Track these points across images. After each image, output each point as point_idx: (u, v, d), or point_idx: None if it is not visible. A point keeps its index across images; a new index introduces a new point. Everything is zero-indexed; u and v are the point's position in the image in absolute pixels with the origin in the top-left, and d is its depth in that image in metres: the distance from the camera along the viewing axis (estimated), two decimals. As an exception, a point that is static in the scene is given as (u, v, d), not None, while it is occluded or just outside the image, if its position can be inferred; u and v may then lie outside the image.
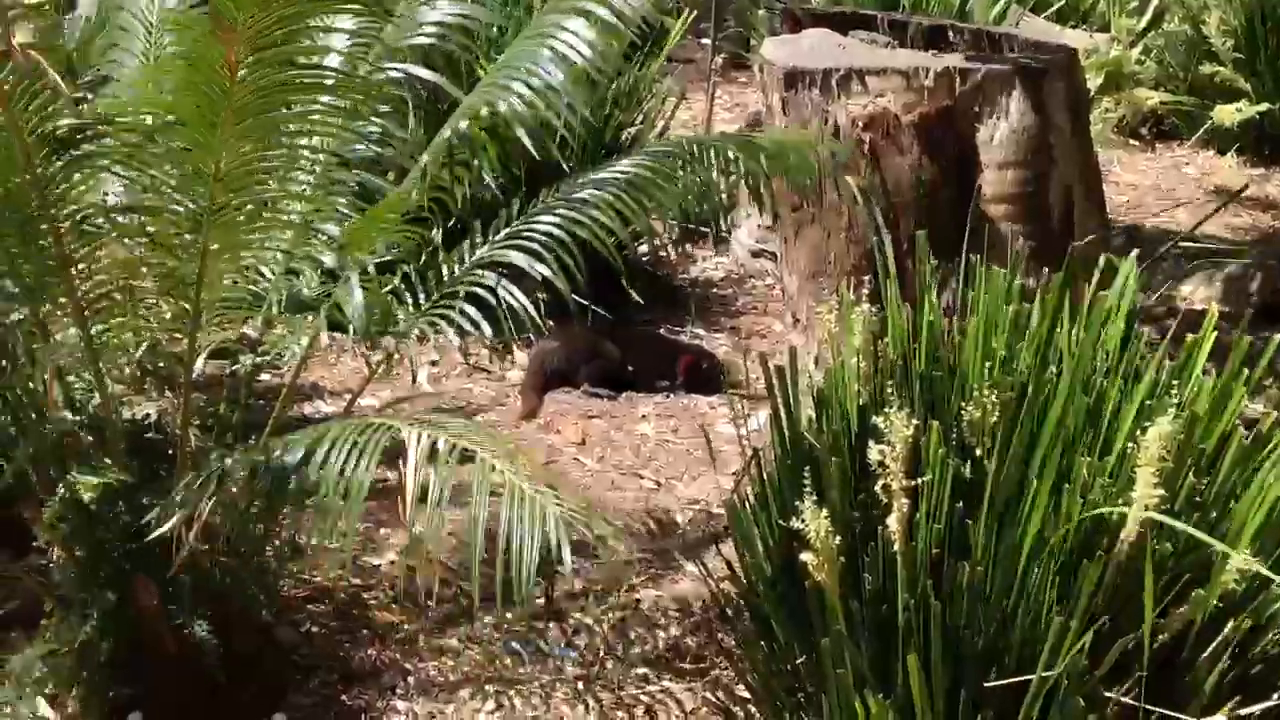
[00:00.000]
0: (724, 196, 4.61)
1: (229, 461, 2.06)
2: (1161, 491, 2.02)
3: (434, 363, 4.16)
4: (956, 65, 3.48)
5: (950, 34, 3.89)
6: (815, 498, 2.21)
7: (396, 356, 2.74)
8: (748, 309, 4.78)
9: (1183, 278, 4.75)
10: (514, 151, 4.14)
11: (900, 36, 3.87)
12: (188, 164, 2.15)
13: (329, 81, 2.19)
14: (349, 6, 2.21)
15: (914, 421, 2.16)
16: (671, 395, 4.13)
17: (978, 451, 2.23)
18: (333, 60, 2.40)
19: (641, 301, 4.40)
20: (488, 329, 2.48)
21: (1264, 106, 6.32)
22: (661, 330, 4.53)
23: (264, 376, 3.61)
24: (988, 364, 2.30)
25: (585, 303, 3.79)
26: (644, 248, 4.84)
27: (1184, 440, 2.08)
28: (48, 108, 2.00)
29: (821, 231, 3.67)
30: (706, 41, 6.71)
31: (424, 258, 2.85)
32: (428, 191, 2.37)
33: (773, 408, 2.49)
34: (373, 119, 2.31)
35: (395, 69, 2.43)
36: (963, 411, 2.26)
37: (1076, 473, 2.14)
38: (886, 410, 2.17)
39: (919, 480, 2.19)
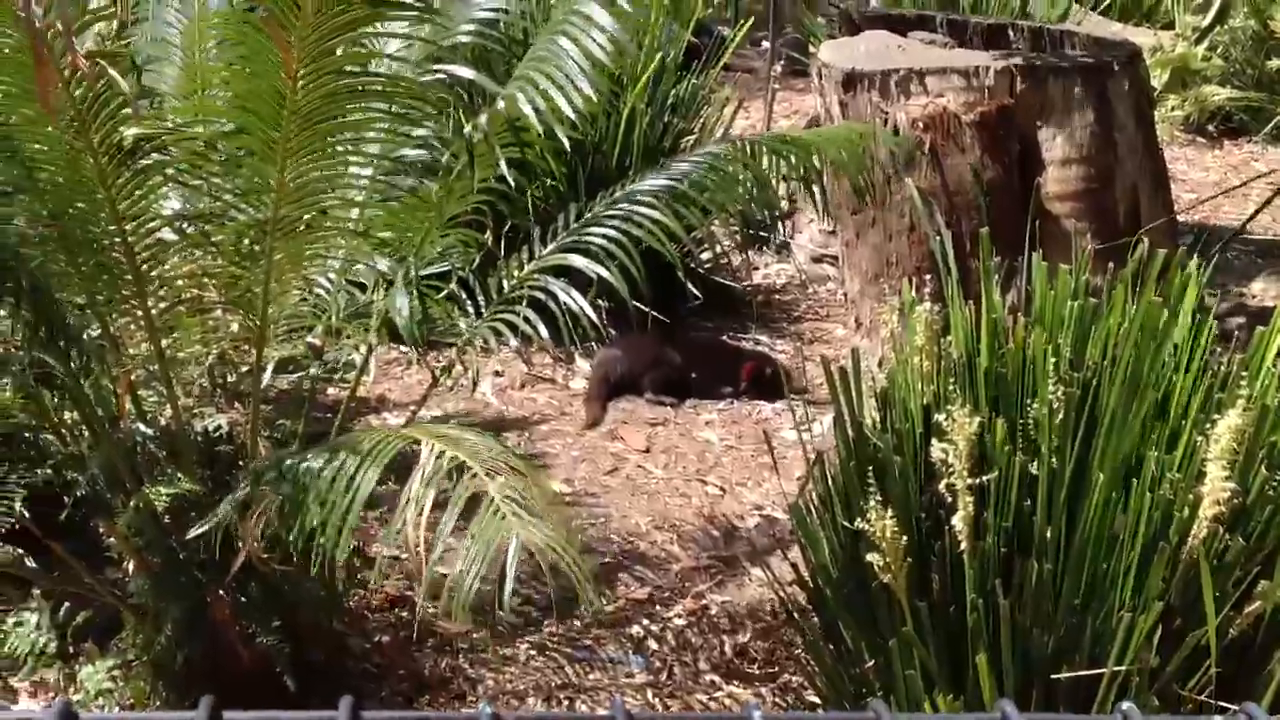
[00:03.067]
0: (782, 198, 4.63)
1: (263, 467, 2.07)
2: (1233, 485, 1.99)
3: (498, 373, 4.18)
4: (1017, 63, 3.46)
5: (1010, 33, 3.86)
6: (880, 497, 2.20)
7: (459, 367, 2.75)
8: (809, 314, 4.76)
9: (1253, 275, 4.68)
10: (571, 158, 4.23)
11: (959, 37, 3.86)
12: (250, 172, 2.17)
13: (384, 88, 2.20)
14: (402, 14, 2.22)
15: (978, 418, 2.15)
16: (734, 401, 4.13)
17: (1044, 448, 2.21)
18: (384, 65, 2.41)
19: (702, 305, 4.41)
20: (546, 334, 2.47)
21: (1334, 100, 6.22)
22: (724, 337, 4.53)
23: (331, 390, 3.68)
24: (1053, 360, 2.27)
25: (646, 310, 3.80)
26: (706, 254, 4.85)
27: (1255, 432, 2.05)
28: (114, 118, 2.03)
29: (883, 233, 3.66)
30: (766, 46, 6.72)
31: (479, 263, 2.88)
32: (473, 196, 2.37)
33: (836, 409, 2.48)
34: (422, 123, 2.31)
35: (439, 70, 2.44)
36: (1028, 408, 2.24)
37: (1146, 467, 2.11)
38: (949, 408, 2.15)
39: (985, 478, 2.17)
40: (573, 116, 2.18)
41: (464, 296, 2.76)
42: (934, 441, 2.17)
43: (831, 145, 2.95)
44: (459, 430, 1.95)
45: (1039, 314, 2.36)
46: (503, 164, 2.17)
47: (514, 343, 2.66)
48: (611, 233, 2.74)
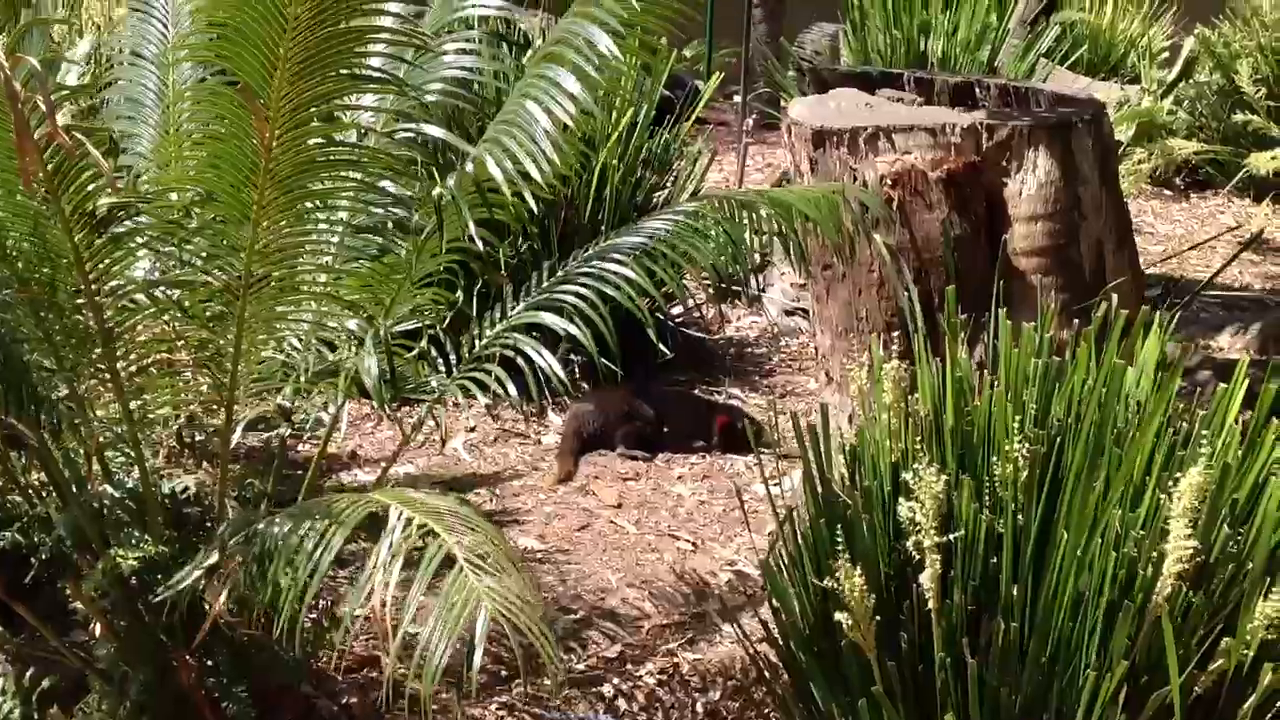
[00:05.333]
0: (756, 254, 4.65)
1: (230, 531, 2.07)
2: (1195, 543, 2.01)
3: (471, 429, 4.18)
4: (982, 121, 3.50)
5: (977, 90, 3.91)
6: (849, 556, 2.21)
7: (430, 423, 2.76)
8: (782, 367, 4.79)
9: (1219, 327, 4.72)
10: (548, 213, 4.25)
11: (927, 94, 3.90)
12: (222, 238, 2.18)
13: (355, 156, 2.22)
14: (374, 87, 2.24)
15: (944, 477, 2.16)
16: (707, 455, 4.14)
17: (1011, 506, 2.22)
18: (356, 132, 2.43)
19: (676, 357, 4.43)
20: (515, 392, 2.48)
21: (1298, 153, 6.31)
22: (696, 390, 4.54)
23: (303, 447, 3.67)
24: (1018, 418, 2.29)
25: (614, 368, 3.82)
26: (678, 308, 4.87)
27: (1216, 490, 2.06)
28: (88, 187, 2.04)
29: (853, 288, 3.68)
30: (739, 100, 6.79)
31: (451, 320, 2.88)
32: (444, 256, 2.38)
33: (805, 466, 2.49)
34: (392, 182, 2.33)
35: (409, 129, 2.46)
36: (994, 466, 2.26)
37: (1109, 525, 2.12)
38: (915, 467, 2.17)
39: (951, 536, 2.19)
40: (539, 180, 2.20)
41: (435, 355, 2.77)
42: (901, 500, 2.18)
43: (804, 202, 2.98)
44: (425, 494, 1.96)
45: (1003, 372, 2.38)
46: (471, 226, 2.19)
47: (484, 400, 2.66)
48: (583, 290, 2.76)
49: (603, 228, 4.37)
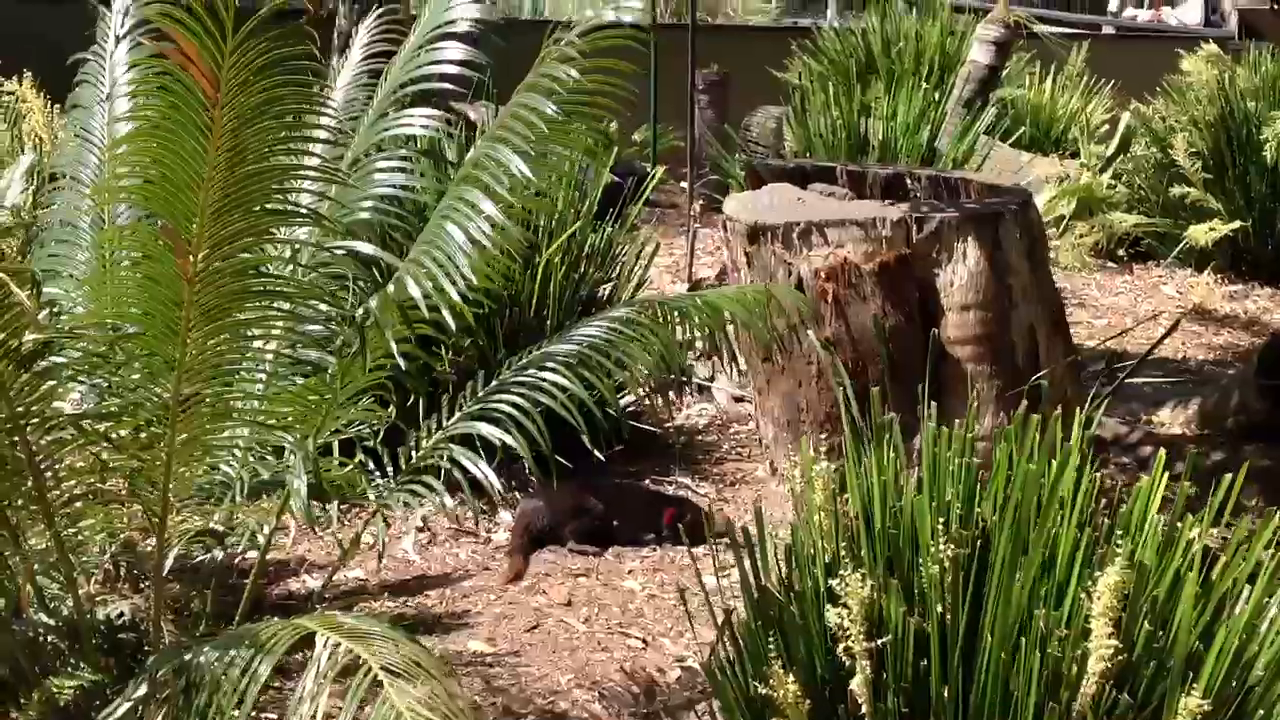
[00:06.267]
0: (695, 350, 4.69)
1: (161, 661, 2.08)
2: (1115, 643, 2.04)
3: (420, 528, 4.18)
4: (911, 214, 3.57)
5: (908, 181, 3.99)
6: (783, 660, 2.23)
7: (372, 532, 2.77)
8: (731, 455, 4.81)
9: (1161, 402, 4.79)
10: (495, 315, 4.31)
11: (859, 187, 3.98)
12: (149, 370, 2.21)
13: (280, 287, 2.27)
14: (298, 220, 2.29)
15: (870, 582, 2.20)
16: (658, 548, 4.15)
17: (939, 608, 2.25)
18: (286, 249, 2.48)
19: (625, 449, 4.45)
20: (450, 501, 2.51)
21: (1235, 225, 6.45)
22: (647, 481, 4.56)
23: (251, 553, 3.67)
24: (941, 519, 2.33)
25: (564, 462, 3.85)
26: (627, 398, 4.90)
27: (1134, 589, 2.10)
28: (12, 326, 2.07)
29: (793, 381, 3.73)
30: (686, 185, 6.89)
31: (391, 428, 2.91)
32: (378, 372, 2.42)
33: (740, 571, 2.52)
34: (320, 301, 2.38)
35: (339, 246, 2.51)
36: (920, 567, 2.29)
37: (1034, 625, 2.16)
38: (841, 572, 2.20)
39: (879, 641, 2.21)
40: (456, 299, 2.25)
41: (373, 467, 2.80)
42: (828, 607, 2.21)
43: (736, 304, 3.04)
44: (354, 617, 1.97)
45: (926, 472, 2.42)
46: (393, 345, 2.23)
47: (429, 506, 2.69)
48: (519, 400, 2.80)
49: (548, 324, 4.42)
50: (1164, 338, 4.54)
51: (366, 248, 2.56)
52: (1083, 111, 8.00)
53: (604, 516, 4.17)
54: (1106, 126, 7.79)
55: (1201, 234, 6.40)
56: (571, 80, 2.24)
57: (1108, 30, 12.75)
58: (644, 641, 3.65)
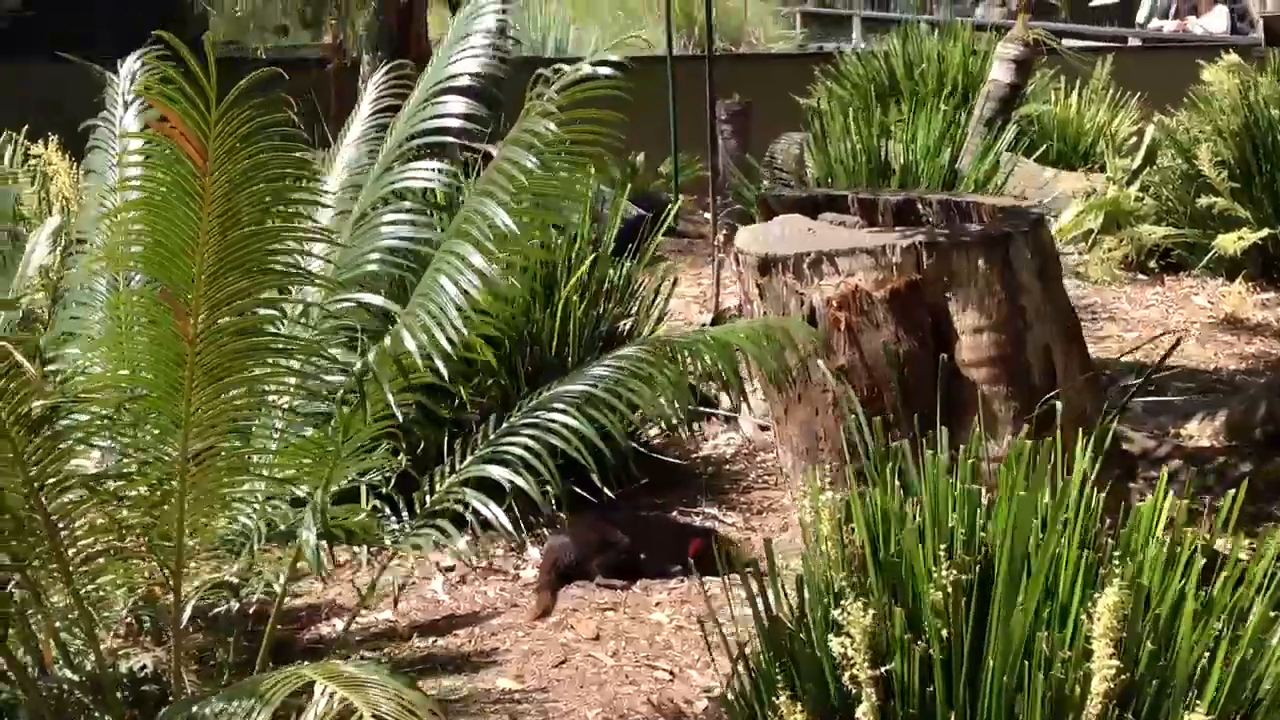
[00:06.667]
0: (717, 382, 4.70)
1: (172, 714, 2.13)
2: (1116, 663, 2.05)
3: (449, 568, 4.23)
4: (920, 240, 3.59)
5: (919, 206, 4.00)
6: (791, 691, 2.26)
7: (394, 579, 2.81)
8: (758, 483, 4.83)
9: (1189, 414, 4.77)
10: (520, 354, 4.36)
11: (869, 214, 3.99)
12: (158, 428, 2.27)
13: (282, 345, 2.32)
14: (295, 278, 2.35)
15: (871, 610, 2.21)
16: (685, 580, 4.17)
17: (939, 635, 2.27)
18: (297, 306, 2.53)
19: (651, 481, 4.47)
20: (463, 545, 2.55)
21: (1264, 232, 6.41)
22: (674, 512, 4.59)
23: (288, 600, 3.72)
24: (944, 546, 2.34)
25: (588, 496, 3.89)
26: (654, 430, 4.93)
27: (1134, 609, 2.11)
28: (21, 393, 2.13)
29: (810, 409, 3.74)
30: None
31: (404, 472, 2.96)
32: (374, 425, 2.47)
33: (750, 602, 2.54)
34: (323, 354, 2.43)
35: (347, 299, 2.56)
36: (924, 594, 2.31)
37: (1037, 648, 2.17)
38: (843, 601, 2.22)
39: (885, 668, 2.23)
40: (448, 349, 2.29)
41: (388, 512, 2.85)
42: (831, 637, 2.23)
43: (746, 340, 3.07)
44: (357, 667, 2.01)
45: (928, 499, 2.43)
46: (390, 397, 2.28)
47: (450, 547, 2.72)
48: (529, 442, 2.84)
49: (569, 360, 4.46)
50: (1166, 355, 4.54)
51: (375, 299, 2.62)
52: (1110, 125, 7.98)
53: (630, 550, 4.20)
54: (1134, 139, 7.77)
55: (1230, 243, 6.36)
56: (550, 134, 2.29)
57: (1134, 42, 12.71)
58: (671, 673, 3.67)
